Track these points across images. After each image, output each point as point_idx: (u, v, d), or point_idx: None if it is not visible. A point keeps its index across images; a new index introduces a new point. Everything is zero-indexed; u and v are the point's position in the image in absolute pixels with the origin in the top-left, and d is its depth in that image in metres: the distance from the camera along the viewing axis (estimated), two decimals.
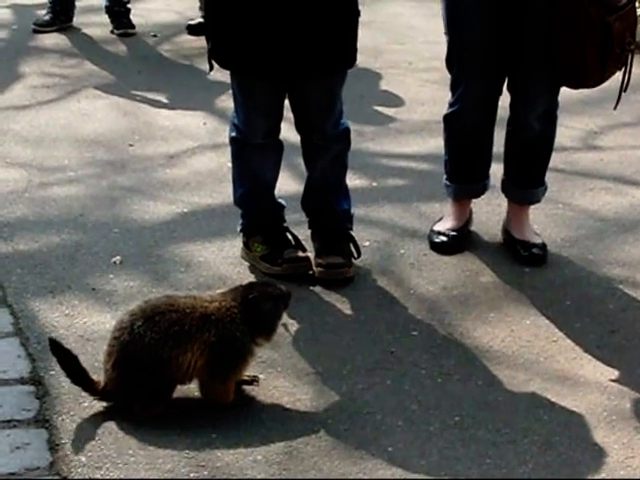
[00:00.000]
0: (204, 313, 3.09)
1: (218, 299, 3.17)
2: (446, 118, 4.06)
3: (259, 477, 2.85)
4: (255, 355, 3.18)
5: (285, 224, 4.01)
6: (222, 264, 3.98)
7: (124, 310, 3.58)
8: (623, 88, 3.85)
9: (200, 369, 3.07)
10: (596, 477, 2.91)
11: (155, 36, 6.92)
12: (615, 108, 3.90)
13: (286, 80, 3.69)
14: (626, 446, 3.04)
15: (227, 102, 5.43)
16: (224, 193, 4.40)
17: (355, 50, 3.74)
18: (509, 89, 3.95)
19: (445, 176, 4.18)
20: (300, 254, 3.92)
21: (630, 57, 3.80)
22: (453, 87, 3.99)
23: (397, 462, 2.93)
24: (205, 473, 2.86)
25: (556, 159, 4.73)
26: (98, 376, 3.13)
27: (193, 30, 6.81)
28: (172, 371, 3.04)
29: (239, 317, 3.12)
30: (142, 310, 3.10)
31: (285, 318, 3.56)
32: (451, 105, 4.02)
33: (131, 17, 6.95)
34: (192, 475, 2.85)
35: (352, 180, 4.39)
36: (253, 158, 3.88)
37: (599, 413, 3.19)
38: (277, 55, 3.59)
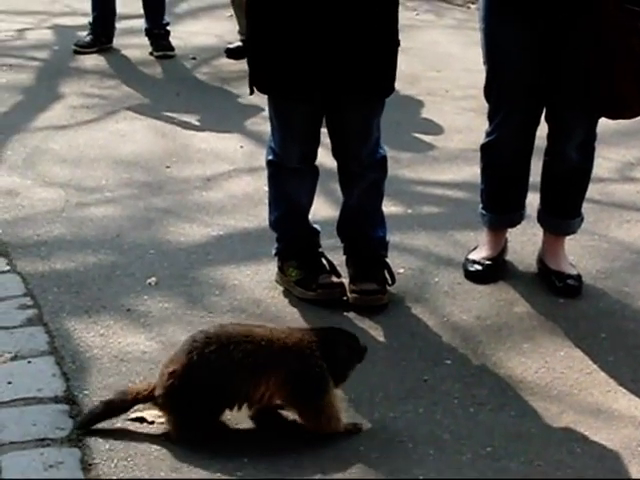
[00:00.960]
0: (282, 346, 3.10)
1: (296, 334, 3.18)
2: (483, 147, 4.06)
3: None
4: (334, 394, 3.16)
5: (320, 249, 4.02)
6: (256, 288, 3.99)
7: (158, 332, 3.64)
8: None
9: (285, 400, 3.09)
10: None
11: (194, 59, 6.98)
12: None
13: (322, 105, 3.71)
14: None
15: (263, 126, 5.45)
16: (260, 217, 4.42)
17: (394, 78, 3.75)
18: (547, 119, 3.95)
19: (481, 205, 4.17)
20: (334, 280, 3.93)
21: None
22: (491, 116, 3.99)
23: None
24: None
25: (592, 190, 4.71)
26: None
27: (232, 53, 6.86)
28: (235, 401, 3.06)
29: (318, 353, 3.12)
30: (217, 335, 3.11)
31: None
32: (488, 134, 4.02)
33: (170, 39, 7.00)
34: None
35: (387, 207, 4.39)
36: (288, 182, 3.89)
37: (633, 447, 3.17)
38: (315, 79, 3.61)
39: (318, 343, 3.13)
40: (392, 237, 4.15)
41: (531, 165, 4.07)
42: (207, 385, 3.03)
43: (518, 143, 3.99)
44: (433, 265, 4.24)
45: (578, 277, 4.08)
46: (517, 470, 3.03)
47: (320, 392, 3.10)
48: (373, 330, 3.75)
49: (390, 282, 3.95)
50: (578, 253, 4.34)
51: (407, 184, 5.04)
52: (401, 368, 3.53)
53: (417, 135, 5.69)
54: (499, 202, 4.13)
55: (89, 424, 3.11)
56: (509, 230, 4.25)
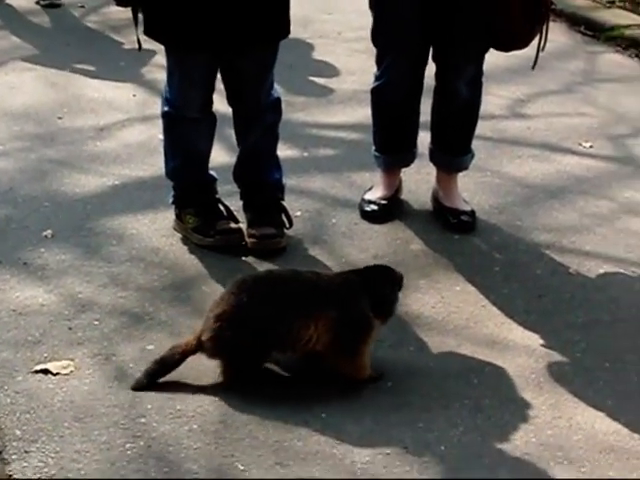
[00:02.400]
0: (328, 290, 3.12)
1: (341, 277, 3.21)
2: (373, 91, 4.10)
3: (195, 446, 2.87)
4: (377, 331, 3.19)
5: (217, 196, 4.02)
6: (154, 236, 3.99)
7: (56, 284, 3.62)
8: (541, 47, 3.88)
9: (326, 345, 3.08)
10: (525, 438, 2.98)
11: (82, 7, 6.87)
12: (533, 68, 3.94)
13: (224, 52, 3.69)
14: (553, 407, 3.12)
15: (156, 73, 5.42)
16: (155, 165, 4.40)
17: (288, 21, 3.75)
18: (434, 59, 3.99)
19: (374, 147, 4.22)
20: (232, 225, 3.95)
21: (548, 17, 3.85)
22: (379, 61, 4.03)
23: (331, 428, 2.97)
24: (141, 444, 2.88)
25: (484, 127, 4.81)
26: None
27: (121, 1, 6.74)
28: (285, 343, 3.07)
29: (362, 293, 3.14)
30: (265, 277, 3.19)
31: (218, 291, 3.60)
32: (377, 78, 4.06)
33: None
34: (128, 446, 2.87)
35: (283, 150, 4.40)
36: (187, 132, 3.87)
37: (527, 376, 3.26)
38: (214, 28, 3.60)
39: (364, 285, 3.17)
40: (288, 180, 4.17)
41: (421, 104, 4.12)
42: (256, 326, 3.04)
43: (407, 85, 4.03)
44: (330, 207, 4.28)
45: (472, 213, 4.16)
46: (416, 403, 3.10)
47: (362, 340, 3.13)
48: None
49: (288, 225, 3.98)
50: (471, 189, 4.42)
51: (302, 127, 5.06)
52: None
53: (310, 78, 5.70)
54: (391, 143, 4.18)
55: (145, 384, 3.09)
56: (403, 169, 4.31)
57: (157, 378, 3.12)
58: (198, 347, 3.11)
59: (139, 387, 3.10)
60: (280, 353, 3.14)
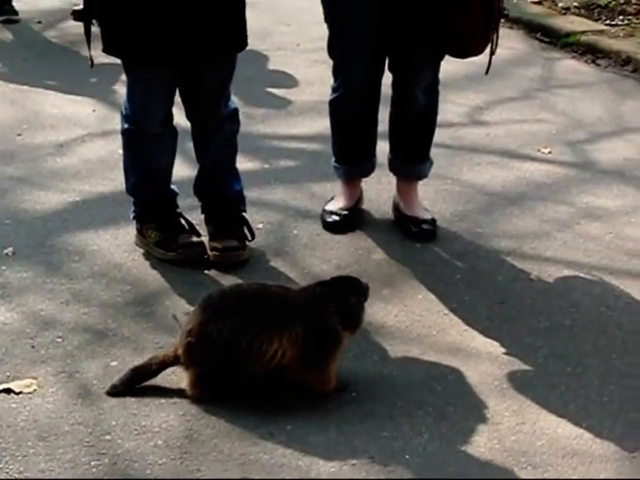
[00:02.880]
0: (295, 304, 3.12)
1: (308, 291, 3.20)
2: (331, 103, 4.12)
3: (160, 462, 2.87)
4: (344, 345, 3.19)
5: (178, 210, 4.02)
6: (116, 252, 3.98)
7: (18, 302, 3.61)
8: (493, 52, 3.90)
9: (292, 361, 3.08)
10: (489, 444, 3.00)
11: (40, 22, 6.85)
12: (487, 73, 3.97)
13: (184, 65, 3.70)
14: (516, 413, 3.14)
15: (116, 88, 5.42)
16: (116, 180, 4.39)
17: (245, 32, 3.77)
18: (390, 68, 4.01)
19: (334, 158, 4.24)
20: (194, 239, 3.95)
21: (499, 21, 3.88)
22: (336, 73, 4.05)
23: (296, 439, 2.98)
24: (106, 461, 2.87)
25: (443, 135, 4.85)
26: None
27: (79, 16, 6.71)
28: (250, 358, 3.06)
29: (331, 307, 3.14)
30: (232, 292, 3.19)
31: (181, 305, 3.61)
32: (335, 90, 4.08)
33: (14, 3, 6.85)
34: (93, 464, 2.86)
35: (243, 163, 4.43)
36: (149, 148, 3.87)
37: (490, 382, 3.28)
38: (174, 41, 3.60)
39: (331, 297, 3.16)
40: (250, 193, 4.18)
41: (379, 114, 4.14)
42: (222, 341, 3.04)
43: (364, 96, 4.05)
44: (291, 218, 4.29)
45: (433, 221, 4.19)
46: (381, 412, 3.11)
47: (329, 354, 3.13)
48: None
49: (250, 238, 3.98)
50: (432, 198, 4.45)
51: (262, 139, 5.07)
52: None
53: (270, 90, 5.72)
54: (351, 154, 4.20)
55: (119, 391, 3.12)
56: (364, 179, 4.33)
57: (132, 385, 3.13)
58: (175, 360, 3.13)
59: (113, 392, 3.12)
60: (248, 368, 3.13)
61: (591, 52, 6.58)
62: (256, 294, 3.16)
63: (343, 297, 3.19)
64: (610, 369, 3.38)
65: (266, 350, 3.05)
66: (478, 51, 3.92)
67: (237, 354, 3.07)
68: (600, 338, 3.55)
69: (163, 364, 3.15)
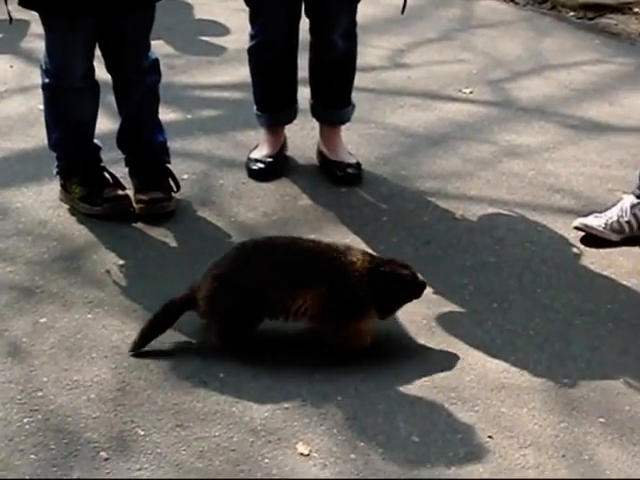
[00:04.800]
0: (328, 263, 3.09)
1: (351, 255, 3.12)
2: (250, 50, 4.10)
3: (94, 415, 2.88)
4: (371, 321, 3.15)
5: (102, 164, 3.99)
6: (41, 208, 3.94)
7: None
8: None
9: (315, 319, 3.08)
10: (418, 382, 3.05)
11: None
12: (402, 13, 3.98)
13: (104, 16, 3.65)
14: (445, 350, 3.20)
15: (33, 43, 5.33)
16: (37, 136, 4.34)
17: None
18: (307, 13, 3.99)
19: (255, 106, 4.23)
20: (119, 192, 3.92)
21: None
22: (253, 20, 4.02)
23: (229, 387, 3.01)
24: (39, 417, 2.87)
25: (365, 79, 4.87)
26: None
27: None
28: (274, 310, 3.07)
29: (366, 279, 3.09)
30: (265, 244, 3.17)
31: (109, 259, 3.59)
32: (253, 37, 4.06)
33: None
34: (26, 420, 2.86)
35: (166, 114, 4.40)
36: (71, 102, 3.82)
37: (419, 321, 3.33)
38: None
39: (370, 269, 3.11)
40: (173, 144, 4.16)
41: (298, 60, 4.14)
42: (249, 290, 3.05)
43: (283, 42, 4.03)
44: (216, 168, 4.29)
45: (357, 165, 4.21)
46: (313, 355, 3.14)
47: (353, 317, 3.12)
48: (163, 237, 3.77)
49: (175, 189, 3.97)
50: (356, 142, 4.47)
51: (184, 89, 5.03)
52: (193, 272, 3.54)
53: (190, 39, 5.67)
54: (272, 101, 4.19)
55: (141, 345, 3.13)
56: (287, 126, 4.32)
57: (152, 338, 3.14)
58: (192, 304, 3.14)
59: (136, 349, 3.13)
60: (271, 319, 3.13)
61: None
62: (289, 247, 3.15)
63: (383, 277, 3.12)
64: (535, 303, 3.45)
65: (291, 305, 3.07)
66: None
67: (263, 305, 3.08)
68: (525, 273, 3.61)
69: (180, 309, 3.16)
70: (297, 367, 3.11)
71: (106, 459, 2.73)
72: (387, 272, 3.13)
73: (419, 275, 3.21)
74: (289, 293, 3.06)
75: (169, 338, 3.20)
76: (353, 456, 2.77)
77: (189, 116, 4.75)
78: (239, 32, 5.57)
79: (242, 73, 5.04)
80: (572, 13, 6.33)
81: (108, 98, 4.07)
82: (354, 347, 3.15)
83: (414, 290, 3.21)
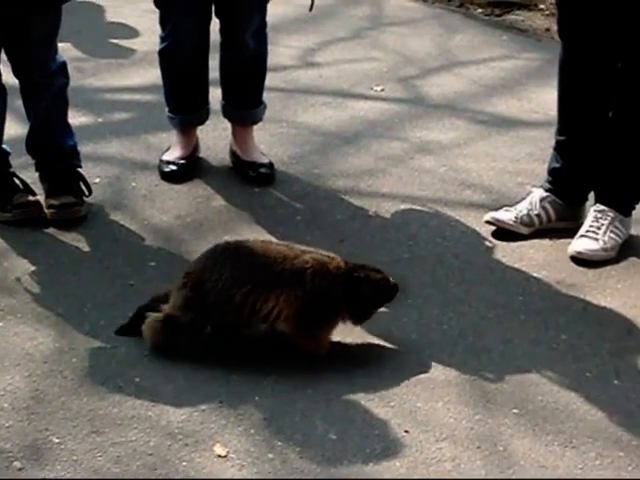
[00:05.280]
0: (302, 266, 3.06)
1: (324, 257, 3.12)
2: (161, 53, 4.09)
3: (7, 425, 2.83)
4: (338, 321, 3.15)
5: (11, 169, 3.94)
6: None
7: None
8: None
9: (287, 320, 3.06)
10: (335, 379, 3.06)
11: None
12: (310, 10, 3.99)
13: (9, 17, 3.60)
14: (361, 346, 3.22)
15: None
16: None
17: None
18: (218, 14, 3.99)
19: (167, 108, 4.21)
20: (30, 198, 3.88)
21: None
22: (163, 21, 4.01)
23: (145, 391, 2.99)
24: None
25: (276, 78, 4.88)
26: None
27: None
28: (240, 313, 3.04)
29: (339, 285, 3.08)
30: (237, 246, 3.15)
31: (20, 265, 3.55)
32: (163, 40, 4.04)
33: None
34: None
35: (76, 118, 4.37)
36: None
37: None
38: None
39: (344, 275, 3.10)
40: (85, 148, 4.13)
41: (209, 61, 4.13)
42: (218, 291, 3.02)
43: (194, 44, 4.02)
44: (129, 171, 4.26)
45: (270, 165, 4.21)
46: (228, 357, 3.14)
47: (324, 323, 3.11)
48: (75, 242, 3.74)
49: (87, 193, 3.94)
50: (268, 141, 4.47)
51: (94, 93, 4.99)
52: (107, 276, 3.55)
53: (99, 42, 5.62)
54: (184, 103, 4.18)
55: (129, 329, 3.18)
56: (200, 127, 4.31)
57: (138, 327, 3.15)
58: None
59: (121, 332, 3.19)
60: (238, 323, 3.12)
61: None
62: (260, 250, 3.11)
63: (356, 282, 3.12)
64: (448, 298, 3.49)
65: (261, 308, 3.04)
66: None
67: (228, 308, 3.05)
68: (438, 268, 3.65)
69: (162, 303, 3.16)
70: (213, 369, 3.10)
71: (20, 469, 2.70)
72: (362, 277, 3.13)
73: (391, 278, 3.22)
74: (257, 295, 3.04)
75: (83, 344, 3.18)
76: (271, 456, 2.77)
77: (100, 119, 4.72)
78: (149, 34, 5.53)
79: (153, 75, 5.02)
80: (480, 10, 6.41)
81: (16, 102, 4.03)
82: (315, 353, 3.15)
83: (388, 294, 3.22)
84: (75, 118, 4.10)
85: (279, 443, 2.82)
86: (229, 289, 3.04)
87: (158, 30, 4.11)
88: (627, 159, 3.78)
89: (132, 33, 5.74)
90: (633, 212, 3.87)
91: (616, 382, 3.12)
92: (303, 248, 3.23)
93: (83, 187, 3.93)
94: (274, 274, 3.06)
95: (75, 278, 3.53)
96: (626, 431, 2.92)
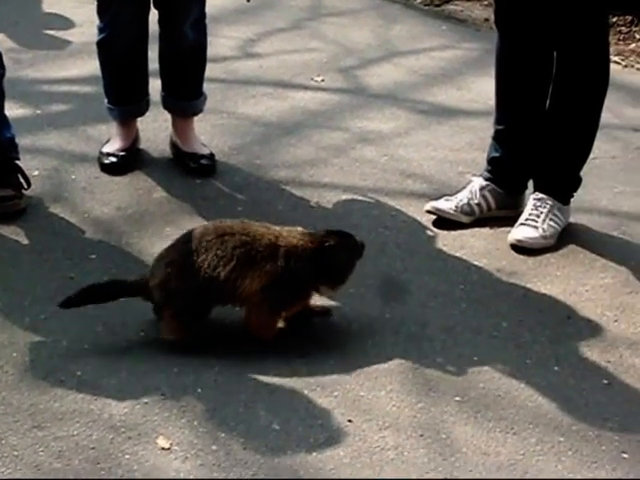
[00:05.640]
0: (275, 244, 3.08)
1: (295, 236, 3.15)
2: (99, 44, 4.05)
3: None
4: (309, 299, 3.20)
5: None
6: None
7: None
8: None
9: (252, 294, 3.07)
10: (277, 370, 3.07)
11: None
12: (248, 1, 3.98)
13: None
14: (304, 338, 3.23)
15: None
16: None
17: None
18: (156, 5, 3.96)
19: (106, 100, 4.18)
20: None
21: None
22: (101, 12, 3.98)
23: (86, 384, 2.97)
24: None
25: (217, 69, 4.86)
26: None
27: None
28: (224, 291, 3.05)
29: (309, 259, 3.11)
30: (215, 227, 3.13)
31: None
32: (102, 30, 4.01)
33: None
34: None
35: (14, 110, 4.32)
36: None
37: None
38: None
39: (315, 249, 3.13)
40: (23, 140, 4.09)
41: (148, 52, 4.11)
42: (202, 274, 3.04)
43: (132, 35, 3.99)
44: (68, 163, 4.22)
45: (211, 156, 4.20)
46: (172, 350, 3.13)
47: (286, 302, 3.15)
48: (15, 236, 3.70)
49: (25, 186, 3.89)
50: (209, 132, 4.46)
51: (32, 84, 4.94)
52: (47, 269, 3.52)
53: (37, 33, 5.56)
54: (123, 94, 4.15)
55: (72, 303, 3.14)
56: (140, 118, 4.28)
57: (85, 303, 3.14)
58: (142, 291, 3.13)
59: (66, 304, 3.14)
60: (221, 304, 3.14)
61: None
62: (238, 230, 3.12)
63: (331, 251, 3.15)
64: (390, 287, 3.51)
65: (240, 285, 3.07)
66: None
67: (215, 288, 3.07)
68: (380, 258, 3.66)
69: (125, 291, 3.16)
70: (155, 361, 3.09)
71: None
72: (333, 245, 3.17)
73: (356, 236, 3.26)
74: (239, 273, 3.06)
75: (24, 338, 3.15)
76: (214, 447, 2.77)
77: (38, 111, 4.67)
78: (87, 25, 5.49)
79: (91, 66, 4.97)
80: (419, 0, 6.43)
81: None
82: (263, 337, 3.17)
83: (358, 252, 3.26)
84: (12, 110, 4.06)
85: (222, 434, 2.82)
86: (215, 269, 3.06)
87: (96, 21, 4.07)
88: (565, 147, 3.82)
89: (69, 24, 5.69)
90: (571, 200, 3.91)
91: (556, 368, 3.15)
92: (279, 228, 3.22)
93: (22, 180, 3.89)
94: (254, 252, 3.09)
95: (15, 271, 3.49)
96: (566, 416, 2.95)
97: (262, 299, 3.11)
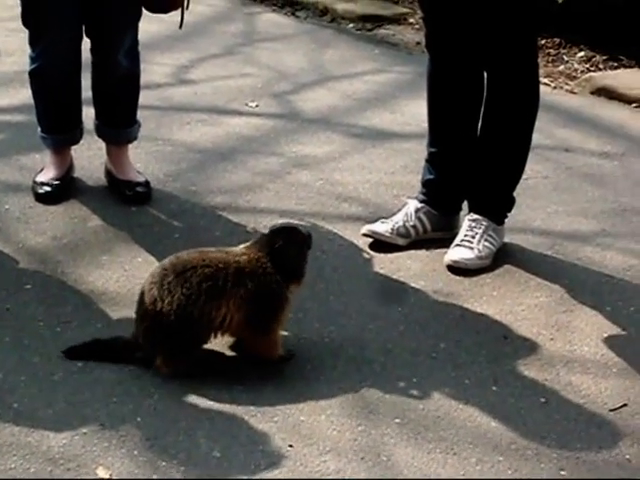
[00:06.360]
0: (238, 267, 3.08)
1: (247, 252, 3.14)
2: (31, 74, 4.03)
3: None
4: (290, 303, 3.19)
5: None
6: None
7: None
8: (186, 6, 3.93)
9: (239, 325, 3.09)
10: (218, 396, 3.06)
11: None
12: (180, 28, 3.97)
13: None
14: (246, 362, 3.22)
15: None
16: None
17: None
18: (88, 34, 3.94)
19: (39, 129, 4.15)
20: None
21: None
22: (33, 42, 3.95)
23: (23, 416, 2.93)
24: None
25: (151, 96, 4.86)
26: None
27: None
28: (203, 327, 3.04)
29: (270, 267, 3.11)
30: (173, 265, 3.10)
31: None
32: (34, 60, 3.98)
33: None
34: None
35: None
36: None
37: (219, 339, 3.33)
38: None
39: (268, 255, 3.14)
40: None
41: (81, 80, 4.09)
42: (176, 315, 3.04)
43: (65, 64, 3.97)
44: (1, 193, 4.18)
45: (146, 183, 4.19)
46: (110, 378, 3.11)
47: (274, 314, 3.14)
48: None
49: None
50: (144, 160, 4.45)
51: None
52: None
53: None
54: (57, 123, 4.13)
55: (74, 354, 3.17)
56: (74, 147, 4.26)
57: (90, 356, 3.18)
58: (139, 348, 3.15)
59: (68, 353, 3.18)
60: (206, 337, 3.12)
61: (290, 4, 6.73)
62: (197, 262, 3.10)
63: (282, 250, 3.17)
64: (328, 311, 3.52)
65: (215, 316, 3.06)
66: (175, 5, 3.92)
67: (192, 325, 3.05)
68: (317, 282, 3.67)
69: (123, 351, 3.18)
70: (94, 391, 3.06)
71: None
72: (283, 245, 3.18)
73: (300, 228, 3.28)
74: (211, 305, 3.05)
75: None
76: (155, 477, 2.75)
77: None
78: (19, 54, 5.44)
79: (23, 95, 4.95)
80: (351, 25, 6.48)
81: None
82: (272, 358, 3.20)
83: (307, 243, 3.27)
84: None
85: (163, 463, 2.80)
86: (185, 307, 3.05)
87: (27, 50, 4.05)
88: (498, 168, 3.87)
89: (1, 53, 5.63)
90: (506, 220, 3.95)
91: (494, 388, 3.18)
92: (236, 249, 3.22)
93: None
94: (218, 281, 3.08)
95: None
96: (505, 435, 2.98)
97: (253, 328, 3.13)
